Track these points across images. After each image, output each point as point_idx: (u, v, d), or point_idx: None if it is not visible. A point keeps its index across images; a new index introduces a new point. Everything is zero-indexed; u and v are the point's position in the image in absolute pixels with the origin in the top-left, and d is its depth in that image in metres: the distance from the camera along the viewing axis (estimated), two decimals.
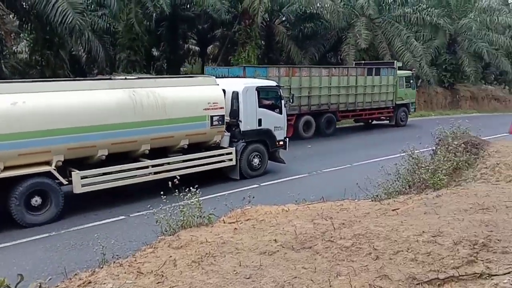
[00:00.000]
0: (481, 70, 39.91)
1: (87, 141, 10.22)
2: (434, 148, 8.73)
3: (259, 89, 13.77)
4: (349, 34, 30.02)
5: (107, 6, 25.72)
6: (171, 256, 4.29)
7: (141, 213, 9.41)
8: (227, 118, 12.83)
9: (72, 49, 27.23)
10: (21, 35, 27.85)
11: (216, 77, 14.05)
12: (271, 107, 14.08)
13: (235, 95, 13.10)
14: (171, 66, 32.13)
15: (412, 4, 32.79)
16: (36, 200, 9.67)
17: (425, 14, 30.96)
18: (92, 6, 26.94)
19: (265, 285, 3.53)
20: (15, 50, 27.79)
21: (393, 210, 5.04)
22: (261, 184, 12.68)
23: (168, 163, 11.78)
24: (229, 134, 13.10)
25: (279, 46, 32.58)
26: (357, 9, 30.76)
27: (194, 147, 12.42)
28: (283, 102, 14.50)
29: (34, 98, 9.62)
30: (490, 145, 8.23)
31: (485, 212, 4.54)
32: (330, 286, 3.44)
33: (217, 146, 13.04)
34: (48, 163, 9.92)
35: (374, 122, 25.71)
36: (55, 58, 22.62)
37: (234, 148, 13.02)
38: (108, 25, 26.60)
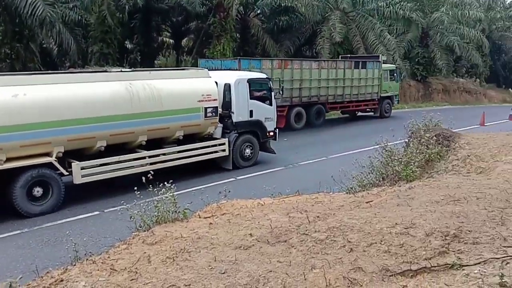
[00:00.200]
0: (453, 63, 40.73)
1: (86, 133, 10.40)
2: (407, 140, 8.87)
3: (250, 81, 14.05)
4: (324, 28, 30.17)
5: None
6: (145, 252, 4.25)
7: (115, 208, 9.26)
8: (219, 110, 13.06)
9: (43, 42, 26.64)
10: None
11: (209, 70, 14.40)
12: (262, 99, 14.37)
13: (227, 87, 13.38)
14: (145, 59, 31.79)
15: None
16: (37, 191, 9.80)
17: (398, 8, 31.36)
18: None
19: (240, 279, 3.52)
20: None
21: (366, 202, 5.10)
22: (238, 178, 12.66)
23: (164, 154, 12.03)
24: (221, 125, 13.34)
25: (255, 39, 32.53)
26: (332, 3, 30.93)
27: (188, 138, 12.68)
28: (273, 94, 14.82)
29: (35, 90, 9.74)
30: (461, 137, 8.40)
31: (456, 204, 4.62)
32: (305, 279, 3.46)
33: (210, 137, 13.30)
34: (48, 154, 10.04)
35: (359, 114, 26.29)
36: (25, 51, 22.08)
37: (227, 139, 13.29)
38: (79, 17, 26.07)
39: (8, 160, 9.44)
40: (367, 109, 25.84)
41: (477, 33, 37.15)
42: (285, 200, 5.95)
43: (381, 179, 7.57)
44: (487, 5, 44.42)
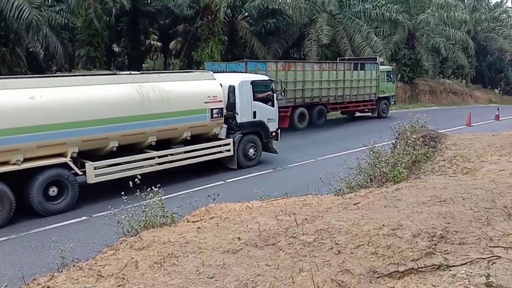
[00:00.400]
0: (439, 64, 41.16)
1: (100, 134, 10.71)
2: (394, 141, 8.93)
3: (254, 83, 14.47)
4: (311, 30, 30.30)
5: (65, 1, 25.05)
6: (132, 258, 4.22)
7: (103, 213, 9.18)
8: (224, 111, 13.41)
9: (29, 46, 26.41)
10: None
11: (214, 72, 15.01)
12: (265, 100, 14.74)
13: (232, 89, 13.73)
14: (133, 62, 31.65)
15: (372, 0, 33.34)
16: (53, 190, 10.04)
17: (384, 10, 31.58)
18: (49, 1, 26.17)
19: (228, 284, 3.51)
20: None
21: (354, 204, 5.11)
22: (227, 181, 12.63)
23: (171, 154, 12.36)
24: (226, 126, 13.69)
25: (242, 41, 32.56)
26: (319, 5, 31.07)
27: (195, 138, 13.00)
28: (275, 95, 15.25)
29: (50, 92, 10.03)
30: (447, 138, 8.48)
31: (442, 204, 4.66)
32: (293, 283, 3.46)
33: (216, 138, 13.65)
34: (63, 155, 10.31)
35: (358, 114, 26.82)
36: (11, 55, 21.78)
37: (231, 139, 13.63)
38: (66, 20, 25.85)
39: (25, 160, 9.70)
40: (366, 110, 26.44)
41: (463, 34, 37.57)
42: (273, 203, 5.95)
43: (369, 181, 7.61)
44: (472, 7, 44.93)
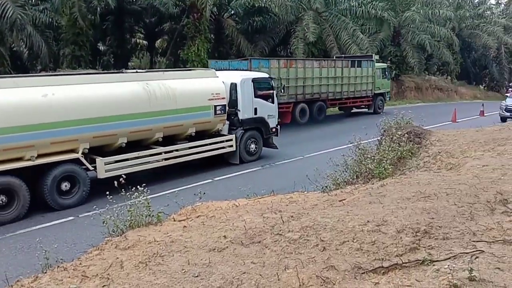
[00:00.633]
0: (424, 61, 41.46)
1: (109, 130, 11.09)
2: (380, 138, 8.98)
3: (255, 81, 14.92)
4: (298, 28, 30.30)
5: (49, 0, 24.77)
6: (117, 258, 4.19)
7: (90, 213, 9.13)
8: (226, 108, 13.83)
9: (13, 45, 26.01)
10: None
11: (217, 70, 15.78)
12: (265, 97, 15.13)
13: (234, 86, 14.15)
14: (118, 61, 31.41)
15: None
16: (65, 185, 10.36)
17: (370, 7, 31.72)
18: (33, 0, 25.86)
19: (213, 282, 3.51)
20: None
21: (340, 201, 5.14)
22: (215, 179, 12.62)
23: (177, 150, 12.75)
24: (228, 122, 14.12)
25: (229, 40, 32.50)
26: (305, 3, 31.07)
27: (198, 135, 13.40)
28: (274, 92, 15.77)
29: (62, 90, 10.36)
30: (432, 134, 8.55)
31: (426, 200, 4.69)
32: (279, 280, 3.46)
33: (219, 134, 14.09)
34: (74, 150, 10.66)
35: (354, 110, 27.35)
36: None
37: (234, 135, 14.08)
38: (50, 19, 25.51)
39: (39, 156, 9.98)
40: (362, 106, 27.08)
41: (448, 31, 37.92)
42: (260, 201, 5.95)
43: (355, 177, 7.64)
44: (457, 4, 45.27)
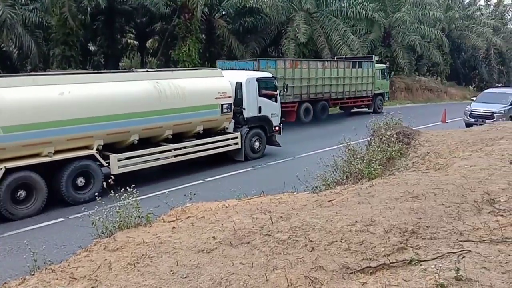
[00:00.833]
0: (415, 62, 41.72)
1: (123, 127, 11.47)
2: (369, 139, 9.03)
3: (259, 80, 15.34)
4: (289, 28, 30.36)
5: (39, 0, 24.60)
6: (106, 259, 4.17)
7: (80, 214, 9.06)
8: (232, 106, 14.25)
9: (2, 45, 25.85)
10: None
11: (224, 70, 16.51)
12: (269, 96, 15.53)
13: (239, 86, 14.56)
14: (109, 61, 31.25)
15: None
16: (81, 181, 10.67)
17: (360, 8, 31.81)
18: (23, 0, 25.67)
19: (202, 283, 3.51)
20: None
21: (329, 201, 5.15)
22: (206, 180, 12.60)
23: (185, 147, 13.18)
24: (233, 120, 14.53)
25: (220, 40, 32.46)
26: (296, 4, 31.14)
27: (205, 132, 13.82)
28: (278, 91, 16.22)
29: (78, 88, 10.72)
30: (421, 135, 8.60)
31: (414, 200, 4.72)
32: (267, 280, 3.47)
33: (224, 132, 14.47)
34: (89, 147, 11.00)
35: (355, 110, 27.87)
36: None
37: (239, 133, 14.49)
38: (40, 19, 25.41)
39: (56, 152, 10.31)
40: (362, 105, 27.75)
41: (437, 32, 38.19)
42: (249, 202, 5.95)
43: (345, 178, 7.67)
44: (446, 5, 45.64)
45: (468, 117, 19.69)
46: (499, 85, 39.68)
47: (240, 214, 5.13)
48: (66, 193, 10.38)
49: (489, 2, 54.43)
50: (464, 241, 3.83)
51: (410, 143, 8.15)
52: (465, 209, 4.49)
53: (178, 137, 13.12)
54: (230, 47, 31.27)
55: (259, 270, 3.63)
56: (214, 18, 32.42)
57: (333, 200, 5.19)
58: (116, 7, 30.47)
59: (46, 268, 4.38)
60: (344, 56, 29.29)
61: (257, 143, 15.10)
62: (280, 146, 15.76)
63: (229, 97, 13.98)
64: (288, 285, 3.39)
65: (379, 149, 7.75)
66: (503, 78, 53.25)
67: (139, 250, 4.26)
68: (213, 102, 13.51)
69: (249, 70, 18.68)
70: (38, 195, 9.98)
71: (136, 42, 37.30)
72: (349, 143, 8.30)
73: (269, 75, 16.83)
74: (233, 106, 14.16)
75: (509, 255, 3.51)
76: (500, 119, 14.37)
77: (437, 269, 3.32)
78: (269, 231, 4.33)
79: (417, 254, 3.64)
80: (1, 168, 9.52)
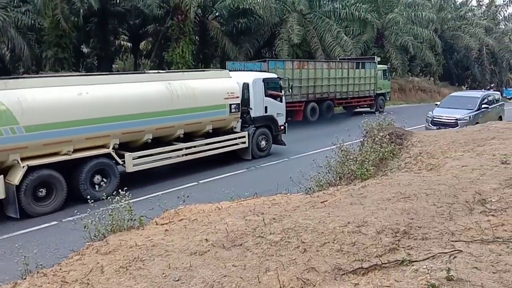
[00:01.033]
0: (408, 62, 41.90)
1: (138, 127, 11.88)
2: (362, 139, 9.05)
3: (265, 81, 15.81)
4: (282, 30, 30.36)
5: (31, 2, 24.48)
6: (98, 263, 4.15)
7: (73, 218, 9.02)
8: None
9: None
10: None
11: (234, 71, 17.19)
12: (274, 96, 15.95)
13: (246, 86, 14.96)
14: (102, 63, 31.12)
15: (341, 0, 33.67)
16: (98, 178, 10.97)
17: (353, 9, 31.89)
18: (15, 2, 25.53)
19: (194, 286, 3.50)
20: None
21: (321, 202, 5.16)
22: (200, 182, 12.58)
23: (195, 146, 13.56)
24: (240, 120, 14.92)
25: (214, 41, 32.43)
26: (289, 5, 31.17)
27: (214, 132, 14.20)
28: (283, 91, 16.64)
29: (95, 89, 11.10)
30: (413, 135, 8.64)
31: (406, 201, 4.74)
32: (259, 282, 3.47)
33: (232, 131, 14.82)
34: (105, 146, 11.37)
35: (357, 109, 28.15)
36: None
37: (246, 132, 14.88)
38: (32, 21, 25.27)
39: (75, 151, 10.72)
40: (365, 105, 28.45)
41: (430, 33, 38.36)
42: (243, 203, 5.95)
43: (338, 179, 7.68)
44: (439, 6, 45.90)
45: (430, 124, 17.47)
46: (492, 85, 39.84)
47: (233, 216, 5.13)
48: (85, 190, 10.56)
49: (481, 3, 54.83)
50: (456, 241, 3.85)
51: (403, 144, 8.18)
52: (457, 209, 4.52)
53: (188, 137, 13.51)
54: (223, 49, 31.25)
55: (251, 272, 3.63)
56: (208, 19, 32.39)
57: (326, 201, 5.20)
58: (109, 9, 30.37)
59: (37, 272, 4.36)
60: (347, 57, 29.86)
61: (263, 142, 15.49)
62: (285, 145, 16.11)
63: (237, 97, 14.38)
64: (280, 287, 3.39)
65: (372, 150, 7.78)
66: (496, 78, 53.64)
67: (131, 253, 4.24)
68: (222, 102, 13.92)
69: (256, 71, 19.27)
70: (58, 193, 10.31)
71: (129, 44, 37.21)
72: (342, 144, 8.31)
73: (274, 76, 17.30)
74: (240, 106, 14.56)
75: (500, 255, 3.53)
76: (464, 127, 12.04)
77: (429, 270, 3.33)
78: (261, 232, 4.33)
79: (409, 254, 3.66)
80: (23, 166, 9.84)
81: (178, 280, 3.61)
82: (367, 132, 8.95)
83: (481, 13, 53.67)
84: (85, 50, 33.36)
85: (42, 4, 23.80)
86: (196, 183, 12.41)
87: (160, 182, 12.28)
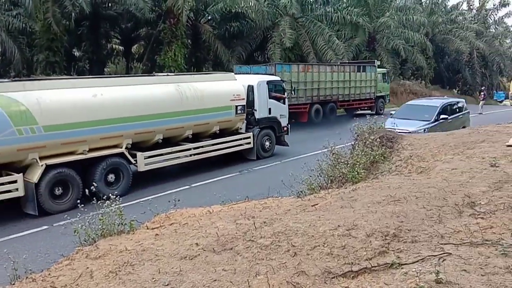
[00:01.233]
0: (399, 66, 42.11)
1: (149, 127, 12.24)
2: (353, 143, 9.07)
3: (269, 83, 16.32)
4: (274, 33, 30.43)
5: (22, 5, 24.33)
6: (88, 268, 4.13)
7: (64, 222, 8.96)
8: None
9: None
10: None
11: (241, 74, 18.11)
12: (277, 98, 16.41)
13: (251, 88, 15.39)
14: (94, 67, 30.98)
15: (333, 4, 33.82)
16: (111, 177, 11.41)
17: (345, 13, 32.06)
18: (6, 5, 25.38)
19: None
20: None
21: (312, 205, 5.17)
22: (192, 185, 12.55)
23: (202, 147, 13.95)
24: (245, 121, 15.29)
25: (206, 45, 32.41)
26: (281, 9, 31.25)
27: (220, 132, 14.55)
28: (286, 94, 17.26)
29: (109, 91, 11.47)
30: (404, 139, 8.67)
31: (396, 204, 4.76)
32: (249, 286, 3.47)
33: (237, 132, 15.20)
34: (118, 146, 11.70)
35: (358, 112, 28.57)
36: None
37: (251, 133, 15.27)
38: (24, 25, 25.13)
39: (90, 150, 11.06)
40: (365, 107, 29.09)
41: (421, 36, 38.63)
42: (234, 207, 5.94)
43: (329, 182, 7.70)
44: (430, 10, 46.20)
45: None
46: (483, 88, 40.07)
47: (224, 220, 5.12)
48: (99, 188, 10.54)
49: (471, 7, 55.22)
50: (445, 244, 3.87)
51: (393, 147, 8.22)
52: (446, 212, 4.55)
53: (195, 137, 13.87)
54: (216, 52, 31.26)
55: (241, 276, 3.63)
56: (200, 23, 32.38)
57: (317, 204, 5.21)
58: (101, 13, 30.28)
59: (26, 278, 4.32)
60: (347, 61, 30.55)
61: (267, 143, 15.89)
62: (288, 145, 16.42)
63: (243, 99, 14.77)
64: None
65: (362, 153, 7.80)
66: (486, 82, 54.02)
67: (121, 258, 4.22)
68: (228, 104, 14.32)
69: (262, 74, 19.63)
70: (74, 191, 10.59)
71: (121, 48, 37.10)
72: (333, 147, 8.33)
73: (277, 78, 17.90)
74: (245, 108, 14.91)
75: (489, 257, 3.56)
76: None
77: (418, 273, 3.35)
78: (252, 236, 4.33)
79: (399, 257, 3.67)
80: (42, 165, 10.16)
81: (167, 285, 3.59)
82: (358, 135, 8.98)
83: (472, 17, 54.05)
84: (76, 53, 33.22)
85: (34, 7, 23.64)
86: (188, 186, 12.39)
87: (152, 186, 12.23)
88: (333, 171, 7.80)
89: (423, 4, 47.14)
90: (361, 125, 9.26)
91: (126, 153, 11.78)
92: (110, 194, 10.53)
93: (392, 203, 4.77)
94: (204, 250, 4.21)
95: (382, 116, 22.38)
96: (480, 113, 31.19)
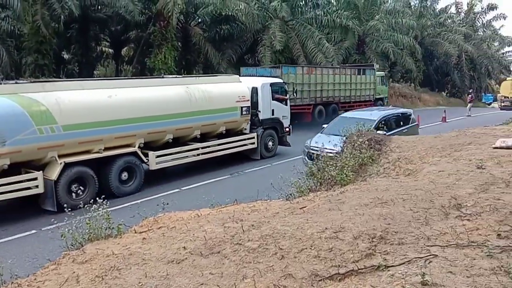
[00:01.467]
0: (388, 69, 42.34)
1: (161, 127, 12.78)
2: (342, 145, 9.10)
3: (272, 85, 16.91)
4: (265, 36, 30.46)
5: (11, 8, 24.12)
6: (74, 272, 4.10)
7: (52, 226, 8.89)
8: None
9: None
10: None
11: (248, 76, 18.86)
12: (280, 100, 17.01)
13: (255, 90, 16.00)
14: (83, 69, 30.76)
15: (323, 7, 33.94)
16: (125, 175, 11.95)
17: (335, 16, 32.22)
18: None
19: None
20: None
21: (300, 208, 5.17)
22: (182, 188, 12.54)
23: (209, 146, 14.45)
24: (249, 122, 15.84)
25: (197, 48, 32.34)
26: (271, 12, 31.31)
27: (226, 133, 15.05)
28: (288, 95, 17.85)
29: (123, 92, 12.04)
30: (392, 141, 8.73)
31: (383, 206, 4.78)
32: None
33: (242, 132, 15.77)
34: (131, 145, 12.21)
35: None
36: None
37: (255, 133, 15.87)
38: (12, 27, 24.91)
39: (105, 149, 11.54)
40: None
41: (410, 39, 38.88)
42: (222, 210, 5.94)
43: (318, 184, 7.71)
44: (419, 13, 46.58)
45: (306, 157, 12.40)
46: (471, 91, 40.44)
47: (212, 223, 5.11)
48: (114, 186, 11.57)
49: (459, 10, 55.75)
50: (431, 245, 3.89)
51: (382, 149, 8.26)
52: (433, 214, 4.57)
53: (203, 137, 14.38)
54: (206, 55, 31.20)
55: (228, 280, 3.62)
56: (190, 25, 32.32)
57: (305, 207, 5.21)
58: (90, 15, 30.10)
59: (12, 283, 4.28)
60: (347, 64, 31.49)
61: (270, 143, 16.49)
62: (290, 146, 16.86)
63: (248, 100, 15.36)
64: None
65: (351, 156, 7.83)
66: (475, 84, 54.58)
67: (107, 262, 4.20)
68: (234, 105, 14.87)
69: (268, 77, 20.19)
70: (90, 188, 11.05)
71: (111, 50, 36.88)
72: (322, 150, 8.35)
73: (280, 80, 18.50)
74: (250, 109, 15.42)
75: (474, 259, 3.58)
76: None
77: (404, 274, 3.36)
78: (240, 240, 4.32)
79: (385, 259, 3.68)
80: (60, 163, 10.61)
81: None
82: (346, 138, 9.02)
83: (460, 20, 54.62)
84: (66, 56, 32.95)
85: (22, 10, 23.41)
86: (178, 189, 12.37)
87: (142, 189, 12.23)
88: (322, 173, 7.80)
89: (412, 7, 47.53)
90: (349, 128, 9.29)
91: (139, 152, 12.26)
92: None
93: (380, 205, 4.79)
94: (191, 254, 4.20)
95: None
96: (468, 115, 31.54)
